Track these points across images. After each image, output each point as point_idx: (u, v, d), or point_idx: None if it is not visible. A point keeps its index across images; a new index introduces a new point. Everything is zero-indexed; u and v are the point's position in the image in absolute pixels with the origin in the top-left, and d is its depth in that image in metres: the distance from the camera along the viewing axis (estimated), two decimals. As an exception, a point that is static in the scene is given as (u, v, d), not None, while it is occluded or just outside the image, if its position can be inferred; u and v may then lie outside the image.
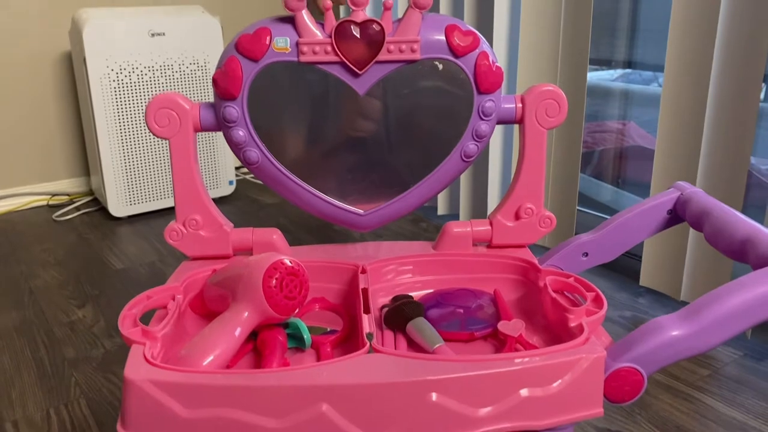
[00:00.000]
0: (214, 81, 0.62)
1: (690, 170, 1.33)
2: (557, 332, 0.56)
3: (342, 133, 0.65)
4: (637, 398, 0.50)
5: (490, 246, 0.67)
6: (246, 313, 0.53)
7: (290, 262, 0.55)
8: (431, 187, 0.66)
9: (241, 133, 0.63)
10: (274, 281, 0.54)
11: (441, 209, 1.99)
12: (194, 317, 0.61)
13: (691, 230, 1.38)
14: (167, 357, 0.52)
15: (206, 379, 0.46)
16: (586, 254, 0.67)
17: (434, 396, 0.46)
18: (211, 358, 0.51)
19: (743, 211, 0.58)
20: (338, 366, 0.48)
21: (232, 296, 0.55)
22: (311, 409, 0.45)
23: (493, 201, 1.71)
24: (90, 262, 1.71)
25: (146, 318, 0.58)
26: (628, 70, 2.20)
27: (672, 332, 0.49)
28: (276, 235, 0.65)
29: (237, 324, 0.53)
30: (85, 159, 2.16)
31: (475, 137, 0.64)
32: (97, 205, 2.09)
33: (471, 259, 0.66)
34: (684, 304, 1.40)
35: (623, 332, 1.31)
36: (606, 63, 2.18)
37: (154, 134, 0.62)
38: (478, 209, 1.80)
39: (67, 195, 2.14)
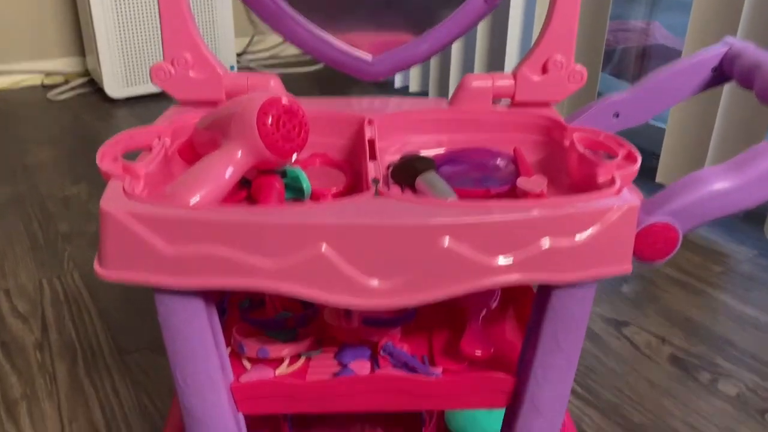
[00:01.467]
0: None
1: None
2: (584, 192, 0.51)
3: (351, -32, 0.57)
4: (668, 258, 0.45)
5: (512, 103, 0.60)
6: (239, 153, 0.48)
7: (287, 100, 0.49)
8: (448, 32, 0.59)
9: (238, -37, 0.55)
10: (270, 119, 0.48)
11: (413, 86, 1.93)
12: (183, 165, 0.56)
13: (716, 127, 1.30)
14: (150, 198, 0.47)
15: (193, 213, 0.41)
16: (617, 115, 0.60)
17: (447, 241, 0.41)
18: (197, 197, 0.46)
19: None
20: (340, 206, 0.43)
21: (224, 137, 0.50)
22: (309, 249, 0.41)
23: (511, 59, 1.62)
24: (85, 142, 1.66)
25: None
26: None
27: (715, 185, 0.44)
28: (274, 81, 0.59)
29: (228, 163, 0.48)
30: (80, 38, 2.06)
31: (500, -22, 0.57)
32: (93, 86, 2.01)
33: (490, 117, 0.60)
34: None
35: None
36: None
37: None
38: (496, 68, 1.69)
39: (62, 74, 2.05)
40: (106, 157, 0.48)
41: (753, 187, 0.44)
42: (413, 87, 1.95)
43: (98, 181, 1.43)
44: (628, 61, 2.06)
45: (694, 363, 0.92)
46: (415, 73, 1.94)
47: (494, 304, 0.58)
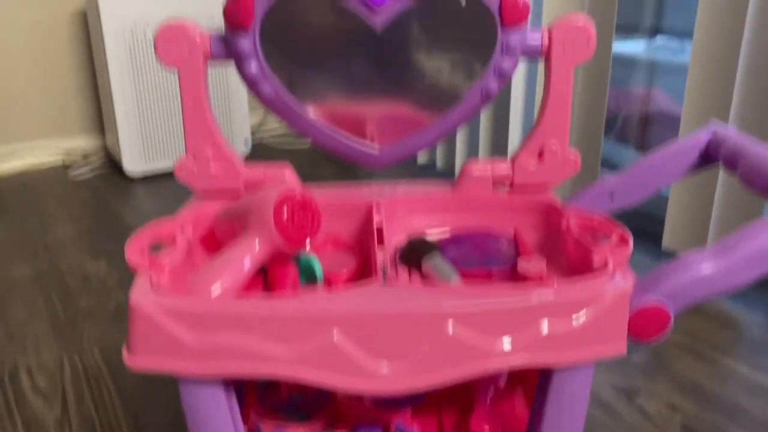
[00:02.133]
0: (225, 11, 0.59)
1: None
2: (580, 273, 0.54)
3: (358, 69, 0.62)
4: (662, 337, 0.48)
5: (511, 187, 0.64)
6: (257, 244, 0.52)
7: (300, 195, 0.53)
8: (448, 125, 0.63)
9: (253, 66, 0.60)
10: (285, 212, 0.52)
11: (420, 158, 1.97)
12: (204, 253, 0.59)
13: (717, 193, 1.34)
14: (175, 288, 0.51)
15: (214, 305, 0.45)
16: (612, 196, 0.64)
17: (451, 327, 0.44)
18: (218, 285, 0.49)
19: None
20: (350, 294, 0.46)
21: (243, 229, 0.54)
22: (322, 337, 0.44)
23: (514, 142, 1.67)
24: (104, 219, 1.71)
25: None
26: (660, 42, 2.15)
27: (703, 268, 0.47)
28: (288, 171, 0.63)
29: (247, 254, 0.51)
30: (100, 117, 2.15)
31: (497, 74, 0.61)
32: (111, 163, 2.08)
33: (490, 201, 0.63)
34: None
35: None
36: (635, 29, 2.13)
37: (162, 63, 0.60)
38: (499, 151, 1.74)
39: (81, 152, 2.13)
40: (133, 250, 0.52)
41: (738, 270, 0.46)
42: (420, 159, 2.01)
43: (116, 259, 1.48)
44: (631, 127, 2.12)
45: (706, 432, 0.92)
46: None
47: (502, 383, 0.60)
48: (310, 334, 0.44)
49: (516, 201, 0.63)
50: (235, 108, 2.03)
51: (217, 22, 2.01)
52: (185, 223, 0.57)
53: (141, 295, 0.46)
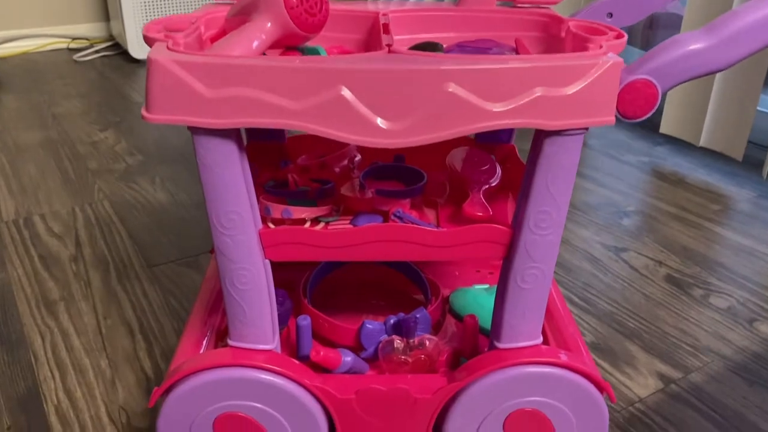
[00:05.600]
0: None
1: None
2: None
3: None
4: (649, 114, 0.51)
5: (514, 4, 0.66)
6: (267, 24, 0.54)
7: (311, -19, 0.55)
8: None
9: None
10: (295, -6, 0.54)
11: None
12: (215, 52, 0.62)
13: (717, 77, 1.35)
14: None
15: (229, 59, 0.47)
16: (610, 15, 0.66)
17: (451, 86, 0.46)
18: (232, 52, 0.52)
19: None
20: (357, 56, 0.49)
21: (254, 14, 0.56)
22: (330, 91, 0.46)
23: None
24: (111, 95, 1.73)
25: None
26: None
27: (692, 45, 0.49)
28: (298, -21, 0.64)
29: (257, 32, 0.53)
30: (105, 4, 2.13)
31: None
32: (117, 49, 2.08)
33: (494, 16, 0.65)
34: (704, 150, 1.40)
35: (641, 175, 1.32)
36: None
37: None
38: None
39: (87, 39, 2.12)
40: (151, 29, 0.54)
41: (725, 46, 0.49)
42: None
43: (123, 129, 1.50)
44: (637, 28, 2.10)
45: (687, 281, 0.97)
46: None
47: (495, 183, 0.64)
48: (318, 90, 0.46)
49: (518, 14, 0.64)
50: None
51: None
52: (197, 19, 0.59)
53: (159, 52, 0.48)
